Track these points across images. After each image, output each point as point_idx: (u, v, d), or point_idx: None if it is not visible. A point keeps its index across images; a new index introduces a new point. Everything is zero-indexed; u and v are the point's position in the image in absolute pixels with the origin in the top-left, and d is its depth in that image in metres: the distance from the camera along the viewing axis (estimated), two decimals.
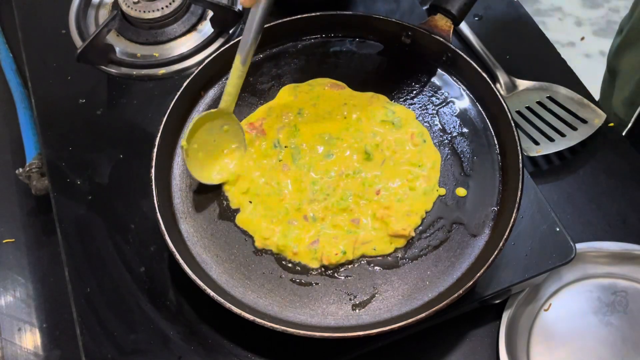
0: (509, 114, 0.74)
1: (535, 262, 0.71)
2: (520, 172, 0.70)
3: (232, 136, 0.76)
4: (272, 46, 0.85)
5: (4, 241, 0.88)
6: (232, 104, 0.75)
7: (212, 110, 0.74)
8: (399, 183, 0.74)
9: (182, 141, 0.73)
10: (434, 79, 0.82)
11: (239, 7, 0.94)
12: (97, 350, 0.68)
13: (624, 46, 1.08)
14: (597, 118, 0.88)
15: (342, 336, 0.63)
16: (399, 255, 0.71)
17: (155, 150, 0.73)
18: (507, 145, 0.75)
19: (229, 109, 0.75)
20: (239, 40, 0.81)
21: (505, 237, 0.66)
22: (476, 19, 1.02)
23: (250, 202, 0.74)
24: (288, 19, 0.83)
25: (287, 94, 0.82)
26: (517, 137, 0.72)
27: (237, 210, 0.74)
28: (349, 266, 0.70)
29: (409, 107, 0.80)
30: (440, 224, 0.73)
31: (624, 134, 1.07)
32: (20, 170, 0.87)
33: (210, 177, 0.75)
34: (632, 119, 1.05)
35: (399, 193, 0.74)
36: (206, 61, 0.80)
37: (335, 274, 0.70)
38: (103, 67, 0.89)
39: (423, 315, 0.63)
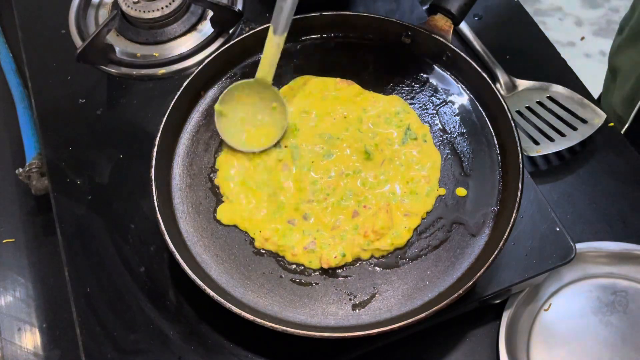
0: (509, 114, 0.74)
1: (535, 262, 0.71)
2: (520, 172, 0.70)
3: (280, 115, 0.78)
4: None
5: (4, 241, 0.88)
6: (269, 75, 0.76)
7: (250, 80, 0.77)
8: (399, 183, 0.74)
9: (216, 105, 0.76)
10: (434, 79, 0.82)
11: (239, 7, 0.94)
12: (97, 350, 0.68)
13: (625, 45, 1.08)
14: (597, 118, 0.88)
15: (342, 336, 0.63)
16: (399, 255, 0.71)
17: (155, 150, 0.73)
18: (507, 145, 0.75)
19: (266, 79, 0.76)
20: (240, 40, 0.82)
21: (505, 237, 0.66)
22: (476, 19, 1.02)
23: (250, 201, 0.74)
24: None
25: (301, 82, 0.83)
26: (517, 137, 0.72)
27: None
28: (349, 266, 0.70)
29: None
30: (440, 224, 0.73)
31: (622, 131, 1.07)
32: (20, 170, 0.87)
33: (241, 142, 0.77)
34: (631, 117, 1.05)
35: (399, 193, 0.74)
36: (206, 61, 0.80)
37: (335, 274, 0.70)
38: (103, 67, 0.89)
39: (423, 315, 0.63)
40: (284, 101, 0.78)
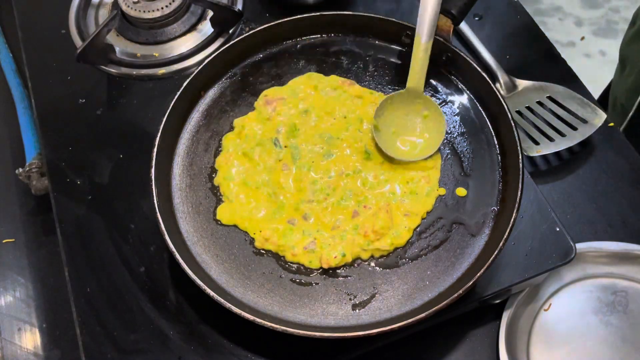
0: (509, 114, 0.74)
1: (535, 262, 0.71)
2: (520, 172, 0.70)
3: (427, 117, 0.77)
4: (272, 46, 0.85)
5: (4, 241, 0.88)
6: (420, 83, 0.77)
7: (401, 90, 0.77)
8: (399, 183, 0.74)
9: (373, 119, 0.77)
10: (434, 79, 0.82)
11: (239, 7, 0.94)
12: (97, 350, 0.68)
13: (635, 36, 1.08)
14: (597, 118, 0.88)
15: (342, 336, 0.63)
16: (399, 255, 0.71)
17: (155, 150, 0.73)
18: (507, 145, 0.75)
19: (417, 88, 0.77)
20: (240, 40, 0.82)
21: (505, 237, 0.66)
22: (476, 19, 1.02)
23: (250, 201, 0.74)
24: (288, 19, 0.83)
25: (306, 80, 0.82)
26: (517, 137, 0.72)
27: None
28: (349, 266, 0.70)
29: None
30: (440, 224, 0.73)
31: (625, 122, 1.07)
32: (20, 170, 0.87)
33: (399, 152, 0.76)
34: (634, 106, 1.05)
35: (399, 193, 0.74)
36: (206, 61, 0.80)
37: (335, 274, 0.70)
38: (103, 67, 0.89)
39: (423, 315, 0.63)
40: (438, 107, 0.77)
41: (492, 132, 0.78)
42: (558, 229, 0.72)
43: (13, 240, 0.89)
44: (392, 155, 0.75)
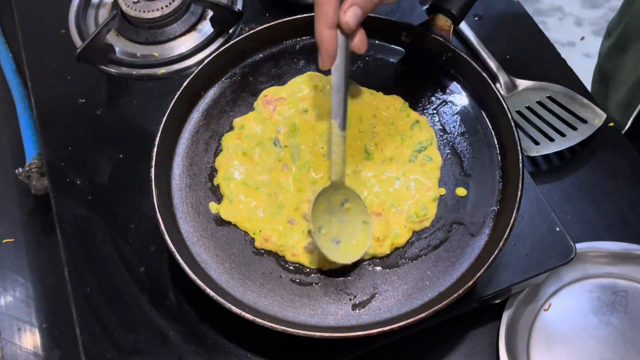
0: (509, 114, 0.74)
1: (535, 262, 0.71)
2: (520, 172, 0.70)
3: (356, 213, 0.70)
4: (272, 46, 0.85)
5: (4, 241, 0.88)
6: (343, 175, 0.70)
7: (325, 186, 0.69)
8: (399, 183, 0.74)
9: (309, 225, 0.68)
10: (434, 79, 0.82)
11: (239, 7, 0.94)
12: (97, 350, 0.68)
13: (617, 50, 1.08)
14: (597, 118, 0.88)
15: (342, 336, 0.63)
16: (399, 255, 0.71)
17: (155, 150, 0.73)
18: (507, 145, 0.75)
19: (342, 180, 0.70)
20: (240, 40, 0.82)
21: (505, 237, 0.66)
22: (476, 19, 1.02)
23: (250, 201, 0.74)
24: (288, 18, 0.83)
25: (308, 79, 0.82)
26: (517, 137, 0.72)
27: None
28: (349, 266, 0.70)
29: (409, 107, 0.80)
30: (440, 224, 0.73)
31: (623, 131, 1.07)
32: (20, 170, 0.87)
33: (348, 257, 0.69)
34: (629, 122, 1.05)
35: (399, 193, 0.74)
36: (206, 61, 0.80)
37: (335, 274, 0.70)
38: (103, 66, 0.89)
39: (423, 315, 0.63)
40: (358, 196, 0.70)
41: (492, 132, 0.78)
42: (558, 229, 0.72)
43: (13, 240, 0.89)
44: (342, 262, 0.68)
